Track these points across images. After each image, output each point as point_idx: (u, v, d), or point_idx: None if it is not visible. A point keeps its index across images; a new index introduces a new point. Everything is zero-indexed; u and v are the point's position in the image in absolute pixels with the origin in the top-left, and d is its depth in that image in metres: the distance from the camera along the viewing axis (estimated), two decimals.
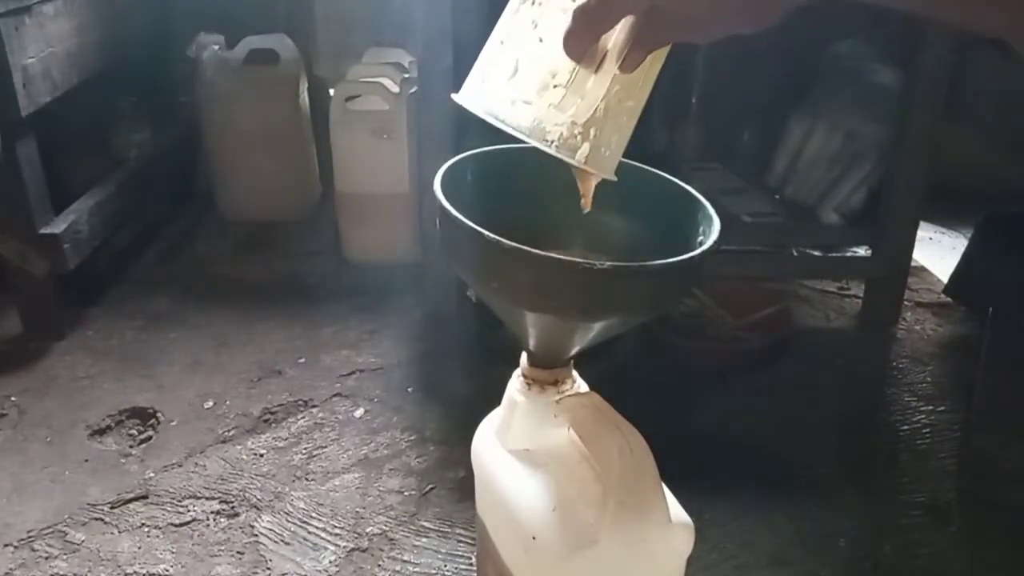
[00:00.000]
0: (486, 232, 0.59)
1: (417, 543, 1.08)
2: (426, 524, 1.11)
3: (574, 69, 0.53)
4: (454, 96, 0.57)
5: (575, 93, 0.53)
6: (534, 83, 0.53)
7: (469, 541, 1.07)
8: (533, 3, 0.54)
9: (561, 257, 0.59)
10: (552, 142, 0.53)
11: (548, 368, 0.71)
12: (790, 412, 1.36)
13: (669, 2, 0.47)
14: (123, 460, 1.23)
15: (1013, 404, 1.14)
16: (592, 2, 0.48)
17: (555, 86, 0.53)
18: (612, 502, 0.63)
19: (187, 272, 1.77)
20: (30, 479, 1.19)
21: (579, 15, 0.49)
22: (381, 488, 1.18)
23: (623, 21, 0.50)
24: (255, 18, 1.98)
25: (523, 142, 0.54)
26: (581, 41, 0.50)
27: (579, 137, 0.53)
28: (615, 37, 0.51)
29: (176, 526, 1.11)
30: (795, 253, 1.70)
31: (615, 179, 0.55)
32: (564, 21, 0.50)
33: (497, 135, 0.59)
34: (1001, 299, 1.20)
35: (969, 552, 1.09)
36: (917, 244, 1.55)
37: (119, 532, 1.10)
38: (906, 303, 1.64)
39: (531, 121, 0.53)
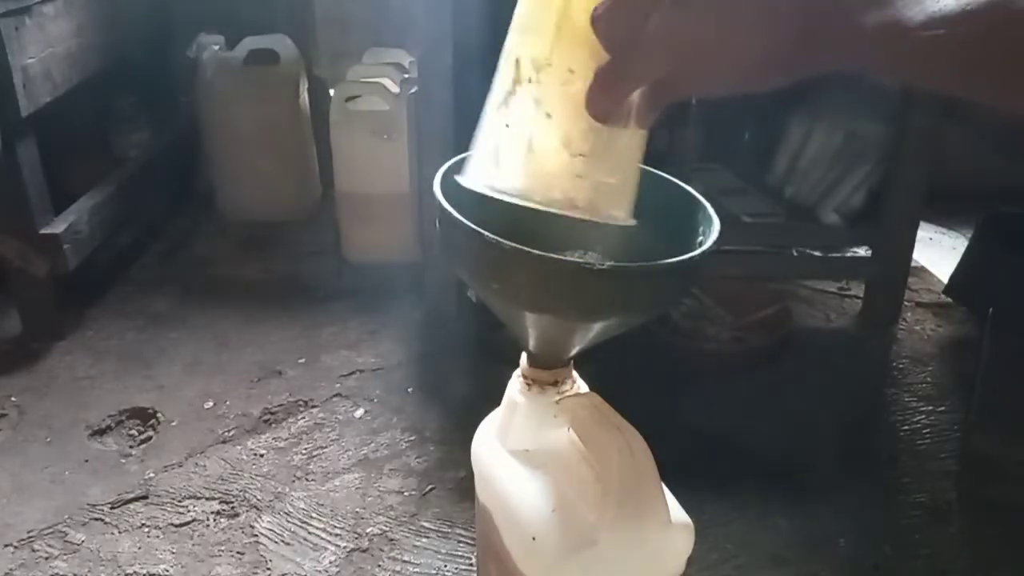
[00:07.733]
0: (486, 232, 0.58)
1: (417, 543, 1.08)
2: (426, 524, 1.11)
3: (591, 135, 0.54)
4: (463, 181, 0.57)
5: (597, 158, 0.54)
6: (551, 155, 0.54)
7: (469, 541, 1.07)
8: (529, 81, 0.54)
9: (561, 257, 0.59)
10: (580, 208, 0.54)
11: (548, 368, 0.71)
12: (790, 412, 1.36)
13: (681, 72, 0.48)
14: (123, 460, 1.23)
15: (1013, 404, 1.14)
16: (610, 70, 0.50)
17: (573, 155, 0.54)
18: (612, 502, 0.63)
19: (187, 272, 1.77)
20: (30, 479, 1.19)
21: (601, 78, 0.50)
22: (381, 488, 1.18)
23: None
24: (255, 18, 1.99)
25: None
26: (604, 103, 0.51)
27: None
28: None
29: (176, 526, 1.11)
30: (795, 253, 1.70)
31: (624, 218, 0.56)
32: (565, 93, 0.51)
33: None
34: (1001, 299, 1.20)
35: (969, 552, 1.09)
36: (917, 244, 1.55)
37: (119, 532, 1.10)
38: (906, 303, 1.64)
39: (560, 194, 0.54)
